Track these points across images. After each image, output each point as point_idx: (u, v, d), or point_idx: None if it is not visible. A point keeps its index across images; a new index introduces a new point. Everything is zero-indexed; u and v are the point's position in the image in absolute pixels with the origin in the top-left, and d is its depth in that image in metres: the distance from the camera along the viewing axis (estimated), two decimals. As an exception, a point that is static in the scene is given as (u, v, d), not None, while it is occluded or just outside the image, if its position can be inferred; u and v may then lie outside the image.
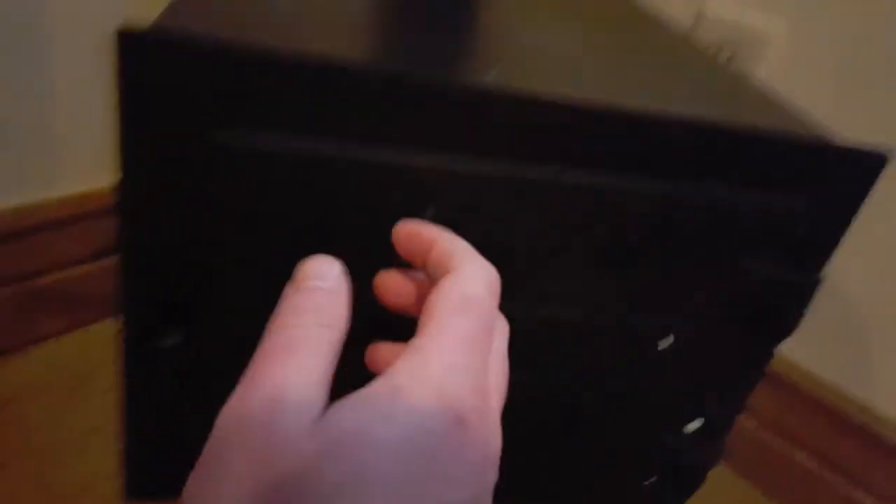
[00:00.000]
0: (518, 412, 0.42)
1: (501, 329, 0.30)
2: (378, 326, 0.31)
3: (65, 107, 0.77)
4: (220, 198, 0.31)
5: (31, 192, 0.78)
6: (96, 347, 0.84)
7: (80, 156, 0.80)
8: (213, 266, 0.33)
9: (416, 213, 0.31)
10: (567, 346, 0.40)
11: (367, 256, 0.30)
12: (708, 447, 0.45)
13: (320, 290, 0.26)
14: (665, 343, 0.40)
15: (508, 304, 0.36)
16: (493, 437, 0.25)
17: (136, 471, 0.40)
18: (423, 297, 0.26)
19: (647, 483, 0.47)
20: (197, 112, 0.28)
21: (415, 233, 0.29)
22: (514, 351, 0.40)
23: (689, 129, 0.34)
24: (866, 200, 0.38)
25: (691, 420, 0.45)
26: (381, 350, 0.31)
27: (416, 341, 0.24)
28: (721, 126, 0.34)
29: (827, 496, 0.83)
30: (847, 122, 0.71)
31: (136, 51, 0.27)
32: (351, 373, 0.25)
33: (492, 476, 0.24)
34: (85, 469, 0.69)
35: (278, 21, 0.35)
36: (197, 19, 0.32)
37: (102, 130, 0.73)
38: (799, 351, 0.83)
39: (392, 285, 0.30)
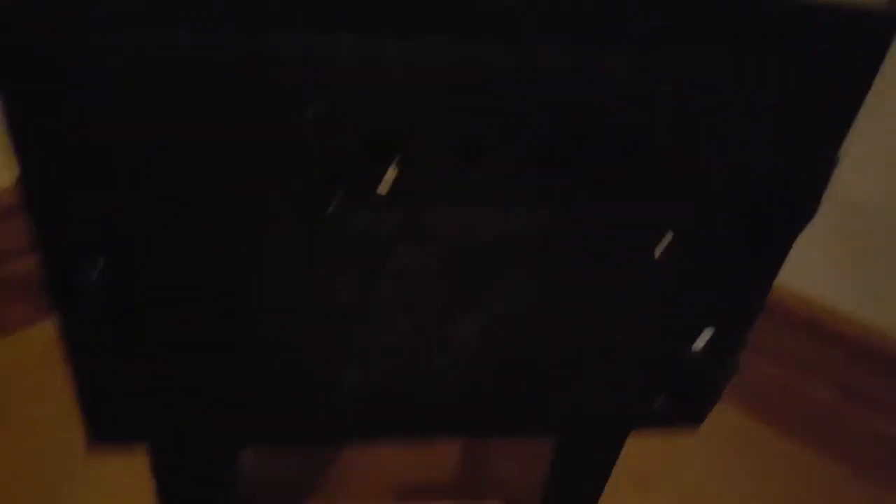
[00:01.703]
0: (508, 339, 0.39)
1: None
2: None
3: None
4: (105, 106, 0.27)
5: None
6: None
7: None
8: (119, 188, 0.30)
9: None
10: (553, 262, 0.36)
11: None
12: (721, 361, 0.41)
13: None
14: (660, 249, 0.36)
15: (469, 214, 0.34)
16: None
17: (92, 414, 0.37)
18: None
19: (655, 405, 0.43)
20: (67, 15, 0.25)
21: None
22: (496, 272, 0.36)
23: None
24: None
25: (700, 332, 0.41)
26: None
27: None
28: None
29: (851, 429, 0.80)
30: None
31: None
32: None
33: None
34: (73, 443, 0.67)
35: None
36: None
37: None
38: (810, 281, 0.80)
39: None
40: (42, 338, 0.81)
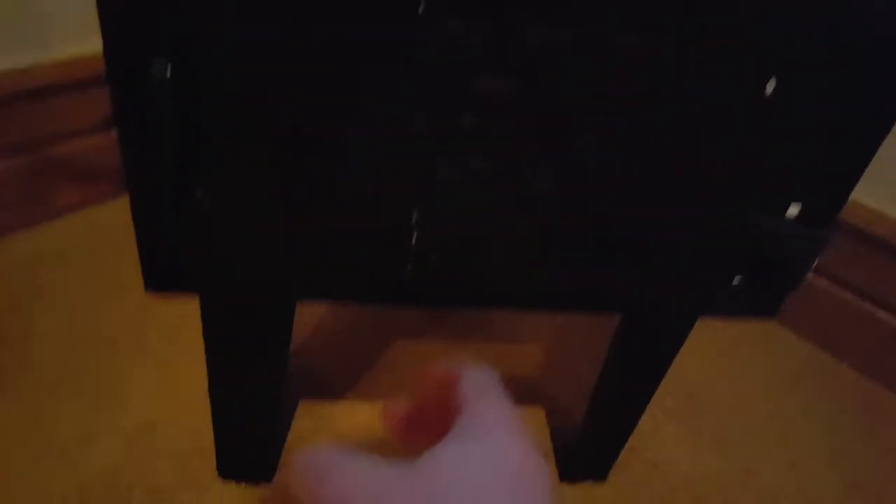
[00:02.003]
0: (588, 191, 0.36)
1: None
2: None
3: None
4: None
5: (34, 53, 0.73)
6: (120, 216, 0.81)
7: (88, 13, 0.75)
8: None
9: None
10: (646, 101, 0.33)
11: None
12: (813, 232, 0.38)
13: None
14: (770, 88, 0.33)
15: (567, 28, 0.30)
16: None
17: (149, 259, 0.35)
18: None
19: (735, 282, 0.40)
20: None
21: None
22: (585, 109, 0.33)
23: None
24: None
25: (791, 200, 0.38)
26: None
27: None
28: None
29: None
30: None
31: None
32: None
33: None
34: (113, 324, 0.67)
35: None
36: None
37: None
38: (879, 196, 0.76)
39: None
40: (89, 222, 0.80)
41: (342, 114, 0.31)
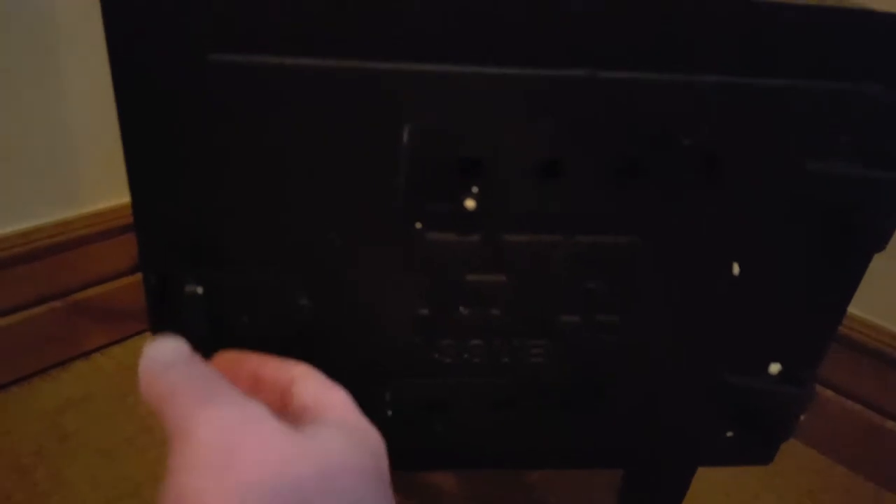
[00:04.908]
0: (578, 363, 0.39)
1: None
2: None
3: (88, 126, 0.78)
4: (221, 124, 0.29)
5: (65, 209, 0.79)
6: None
7: (112, 171, 0.81)
8: (226, 203, 0.31)
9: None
10: (623, 279, 0.36)
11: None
12: (794, 389, 0.40)
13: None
14: (737, 267, 0.36)
15: (545, 235, 0.34)
16: None
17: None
18: None
19: (727, 434, 0.42)
20: (188, 34, 0.28)
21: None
22: (569, 295, 0.37)
23: (738, 13, 0.31)
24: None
25: (771, 360, 0.40)
26: None
27: None
28: (777, 6, 0.31)
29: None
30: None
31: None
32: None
33: None
34: (138, 469, 0.68)
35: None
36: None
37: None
38: (880, 310, 0.77)
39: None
40: (115, 362, 0.84)
41: (356, 311, 0.35)
